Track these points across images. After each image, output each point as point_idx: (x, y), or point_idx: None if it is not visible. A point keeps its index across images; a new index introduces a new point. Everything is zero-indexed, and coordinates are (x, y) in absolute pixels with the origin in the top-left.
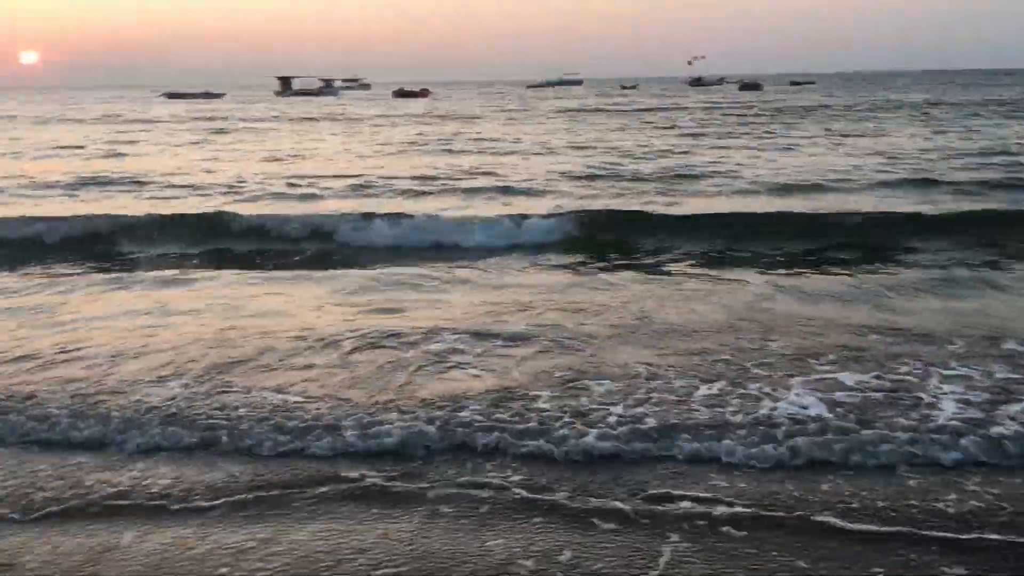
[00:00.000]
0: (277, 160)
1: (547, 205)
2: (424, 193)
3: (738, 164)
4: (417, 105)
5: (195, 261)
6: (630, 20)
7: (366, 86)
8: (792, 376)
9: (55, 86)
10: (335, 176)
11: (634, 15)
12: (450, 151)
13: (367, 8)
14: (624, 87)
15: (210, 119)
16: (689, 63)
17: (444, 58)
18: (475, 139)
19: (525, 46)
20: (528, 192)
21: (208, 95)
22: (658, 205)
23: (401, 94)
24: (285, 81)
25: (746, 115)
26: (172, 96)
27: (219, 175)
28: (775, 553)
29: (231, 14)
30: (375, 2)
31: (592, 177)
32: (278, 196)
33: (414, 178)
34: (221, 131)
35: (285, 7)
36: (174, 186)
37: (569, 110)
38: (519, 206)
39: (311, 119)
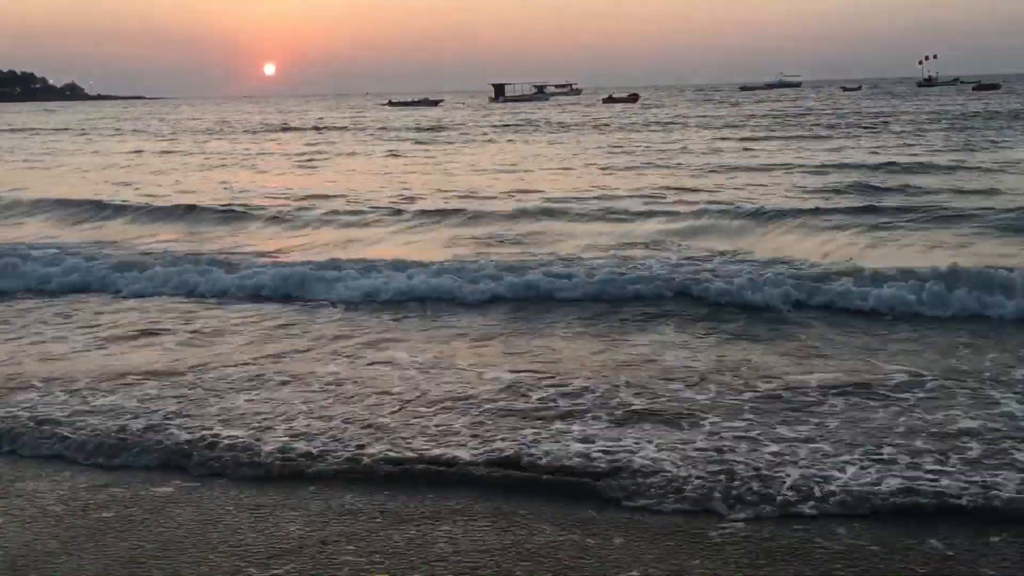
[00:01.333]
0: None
1: None
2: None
3: None
4: (628, 110)
5: None
6: (853, 19)
7: (577, 91)
8: None
9: (290, 94)
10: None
11: (856, 14)
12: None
13: (578, 14)
14: (845, 88)
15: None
16: (919, 63)
17: (654, 61)
18: (695, 150)
19: (739, 47)
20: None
21: (427, 102)
22: None
23: (610, 100)
24: (499, 88)
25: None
26: (394, 104)
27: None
28: None
29: (445, 21)
30: (584, 9)
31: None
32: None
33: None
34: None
35: (496, 13)
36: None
37: (786, 116)
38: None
39: (522, 126)
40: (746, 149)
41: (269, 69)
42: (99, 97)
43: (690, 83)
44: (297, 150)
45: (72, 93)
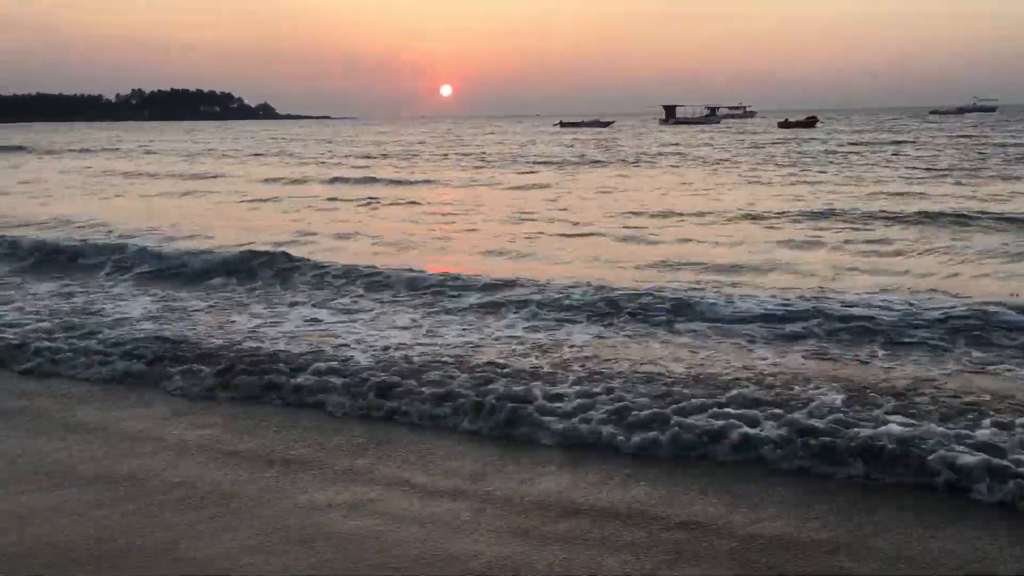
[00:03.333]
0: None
1: None
2: None
3: None
4: (812, 135)
5: None
6: None
7: (751, 114)
8: None
9: (465, 115)
10: None
11: None
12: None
13: (750, 37)
14: None
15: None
16: None
17: (832, 84)
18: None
19: (929, 68)
20: None
21: (598, 123)
22: None
23: (787, 124)
24: (670, 109)
25: None
26: (565, 125)
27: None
28: None
29: (615, 44)
30: (756, 31)
31: None
32: None
33: None
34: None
35: (666, 36)
36: None
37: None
38: None
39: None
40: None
41: (446, 91)
42: (288, 116)
43: (873, 107)
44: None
45: (264, 113)
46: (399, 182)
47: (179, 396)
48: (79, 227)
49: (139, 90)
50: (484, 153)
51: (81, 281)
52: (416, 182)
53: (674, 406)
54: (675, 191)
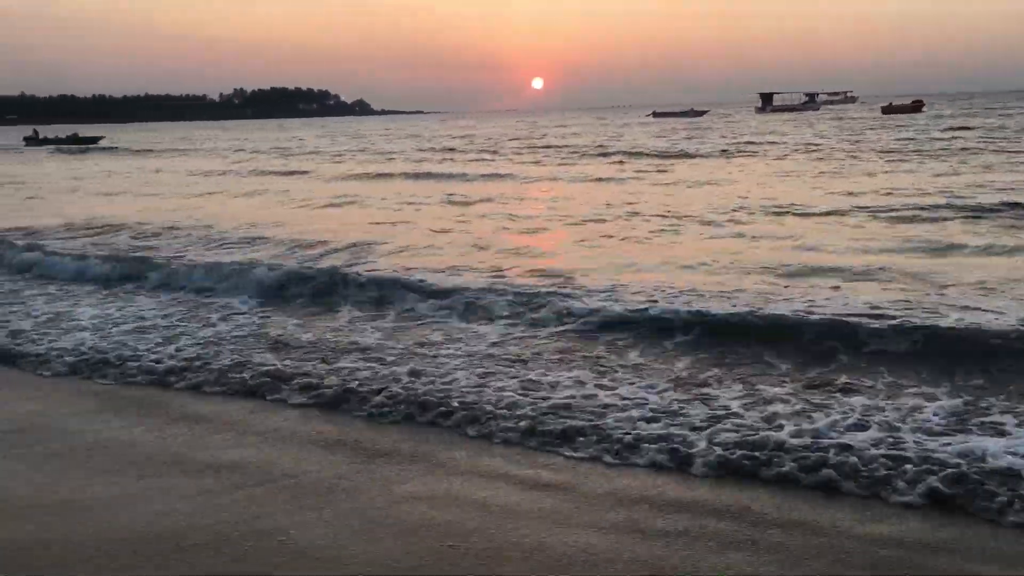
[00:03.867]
0: None
1: None
2: None
3: None
4: (918, 120)
5: None
6: None
7: (852, 99)
8: None
9: (557, 107)
10: None
11: None
12: None
13: (854, 22)
14: None
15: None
16: None
17: (935, 68)
18: None
19: None
20: None
21: (692, 112)
22: None
23: (891, 109)
24: (766, 97)
25: None
26: (659, 115)
27: None
28: None
29: (710, 32)
30: (860, 15)
31: None
32: None
33: None
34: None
35: (765, 23)
36: None
37: None
38: None
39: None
40: None
41: (537, 84)
42: (383, 112)
43: (982, 90)
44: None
45: (360, 109)
46: (493, 176)
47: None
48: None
49: (241, 89)
50: (576, 145)
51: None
52: (507, 176)
53: None
54: (783, 183)
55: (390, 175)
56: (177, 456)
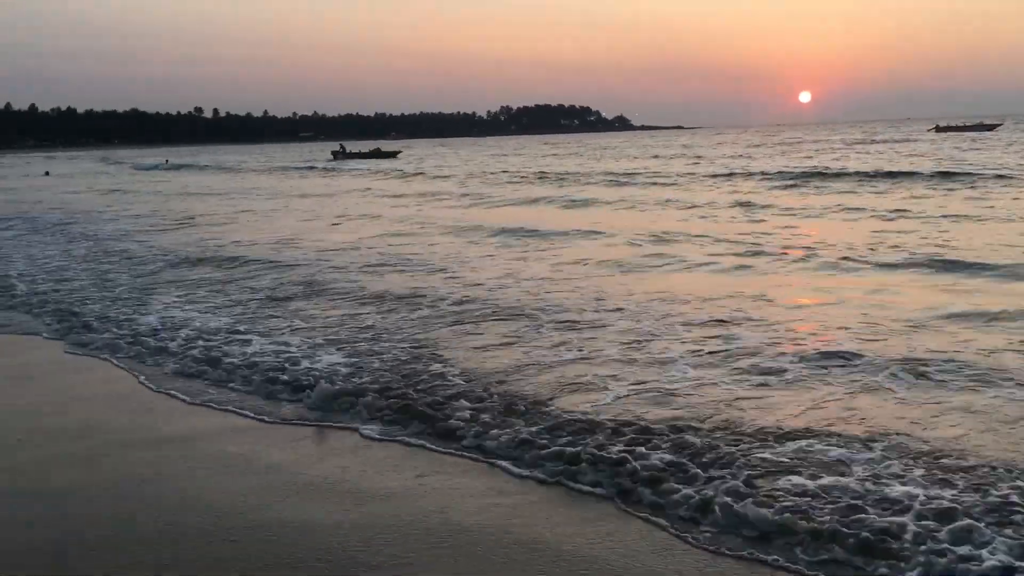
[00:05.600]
0: None
1: None
2: None
3: None
4: None
5: None
6: None
7: None
8: None
9: (825, 120)
10: None
11: None
12: None
13: None
14: None
15: None
16: None
17: None
18: None
19: None
20: None
21: (981, 126)
22: None
23: None
24: None
25: None
26: (941, 129)
27: None
28: None
29: (995, 40)
30: None
31: None
32: None
33: None
34: None
35: None
36: None
37: None
38: None
39: None
40: None
41: (804, 97)
42: (643, 127)
43: None
44: None
45: (620, 124)
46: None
47: None
48: None
49: (507, 107)
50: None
51: None
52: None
53: None
54: None
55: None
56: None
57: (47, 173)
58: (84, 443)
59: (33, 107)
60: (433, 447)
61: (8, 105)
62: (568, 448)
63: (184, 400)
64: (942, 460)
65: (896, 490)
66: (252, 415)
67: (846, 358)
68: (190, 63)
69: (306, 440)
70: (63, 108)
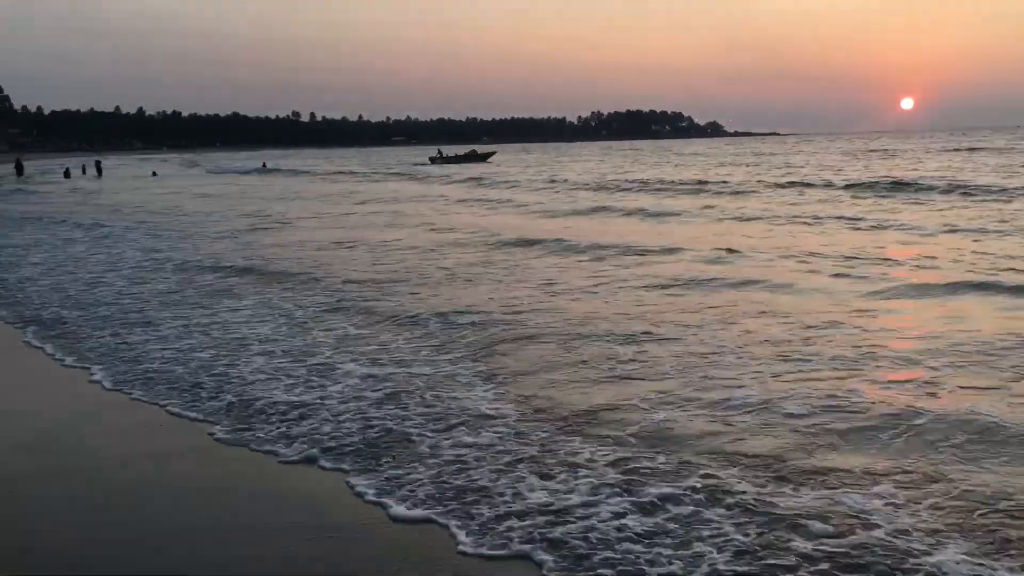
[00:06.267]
0: None
1: None
2: None
3: None
4: None
5: None
6: None
7: None
8: None
9: (930, 128)
10: None
11: None
12: None
13: None
14: None
15: None
16: None
17: None
18: None
19: None
20: None
21: None
22: None
23: None
24: None
25: None
26: None
27: None
28: None
29: None
30: None
31: None
32: None
33: None
34: None
35: None
36: None
37: None
38: None
39: None
40: None
41: (907, 104)
42: (736, 134)
43: None
44: None
45: (712, 131)
46: None
47: None
48: None
49: (597, 112)
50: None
51: None
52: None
53: None
54: None
55: None
56: None
57: (154, 174)
58: None
59: (140, 110)
60: None
61: (117, 108)
62: None
63: None
64: None
65: None
66: None
67: None
68: (288, 70)
69: None
70: (168, 112)
